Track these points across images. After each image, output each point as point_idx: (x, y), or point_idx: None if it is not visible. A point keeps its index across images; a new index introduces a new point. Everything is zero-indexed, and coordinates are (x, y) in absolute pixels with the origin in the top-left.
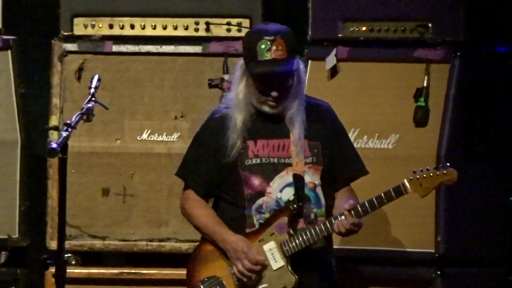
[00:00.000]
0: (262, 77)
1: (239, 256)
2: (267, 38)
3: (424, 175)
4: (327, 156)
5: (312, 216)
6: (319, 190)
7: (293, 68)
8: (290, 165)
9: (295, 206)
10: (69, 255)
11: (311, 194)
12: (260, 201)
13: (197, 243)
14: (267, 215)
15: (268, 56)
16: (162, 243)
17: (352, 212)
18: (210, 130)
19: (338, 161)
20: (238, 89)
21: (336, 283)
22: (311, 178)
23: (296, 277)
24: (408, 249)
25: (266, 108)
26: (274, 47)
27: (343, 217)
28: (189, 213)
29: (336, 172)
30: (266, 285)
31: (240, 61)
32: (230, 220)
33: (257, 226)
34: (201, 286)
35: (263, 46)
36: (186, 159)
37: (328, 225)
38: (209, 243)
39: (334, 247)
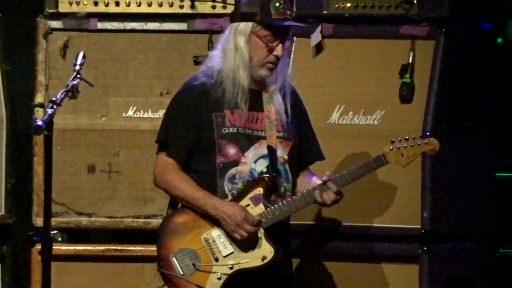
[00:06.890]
0: (279, 30)
1: (238, 222)
2: None
3: (405, 145)
4: (296, 134)
5: (282, 189)
6: (287, 166)
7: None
8: (263, 138)
9: (270, 177)
10: (55, 232)
11: (281, 168)
12: (233, 170)
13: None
14: (240, 186)
15: (281, 14)
16: (148, 220)
17: (332, 181)
18: (193, 96)
19: (303, 142)
20: (244, 51)
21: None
22: (281, 153)
23: (275, 247)
24: (394, 225)
25: (262, 72)
26: (286, 6)
27: (324, 187)
28: (168, 181)
29: (300, 151)
30: (248, 260)
31: (240, 27)
32: None
33: (229, 196)
34: (174, 258)
35: (277, 4)
36: (168, 125)
37: (310, 196)
38: (179, 214)
39: (319, 223)
